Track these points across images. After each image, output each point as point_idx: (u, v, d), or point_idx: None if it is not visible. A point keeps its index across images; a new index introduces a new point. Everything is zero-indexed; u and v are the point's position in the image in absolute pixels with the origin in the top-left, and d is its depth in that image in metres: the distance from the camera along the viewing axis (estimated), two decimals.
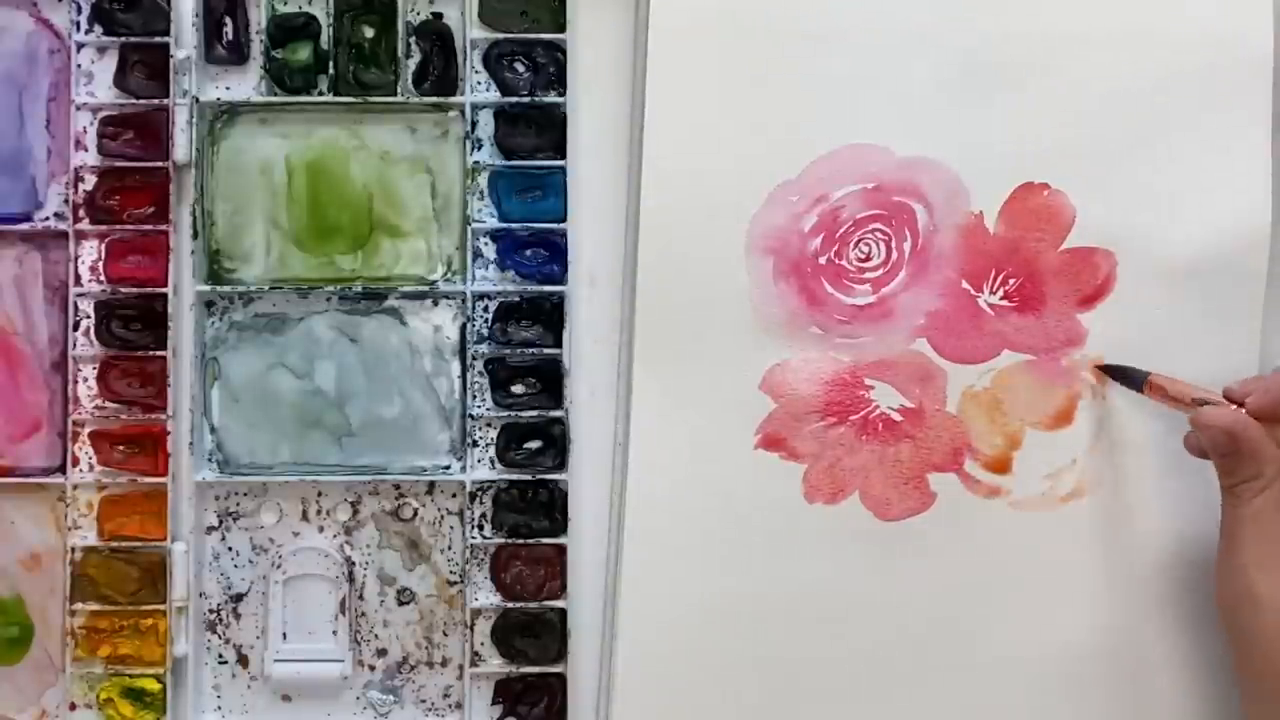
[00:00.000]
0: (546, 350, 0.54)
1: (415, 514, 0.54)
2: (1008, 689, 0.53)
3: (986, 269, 0.53)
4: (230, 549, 0.54)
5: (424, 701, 0.54)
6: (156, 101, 0.53)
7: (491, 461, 0.54)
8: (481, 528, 0.54)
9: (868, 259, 0.53)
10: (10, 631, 0.54)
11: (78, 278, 0.53)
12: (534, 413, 0.54)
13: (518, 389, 0.54)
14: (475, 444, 0.54)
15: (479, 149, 0.54)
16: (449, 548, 0.54)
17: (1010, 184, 0.53)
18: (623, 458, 0.53)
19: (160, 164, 0.53)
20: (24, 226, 0.54)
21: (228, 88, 0.54)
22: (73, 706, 0.53)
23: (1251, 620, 0.48)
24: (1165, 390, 0.51)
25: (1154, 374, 0.51)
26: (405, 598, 0.54)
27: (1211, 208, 0.53)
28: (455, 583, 0.54)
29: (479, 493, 0.54)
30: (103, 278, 0.53)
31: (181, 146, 0.53)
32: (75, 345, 0.53)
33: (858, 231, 0.53)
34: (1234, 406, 0.49)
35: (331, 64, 0.54)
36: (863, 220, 0.53)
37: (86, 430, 0.53)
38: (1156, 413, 0.52)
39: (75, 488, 0.53)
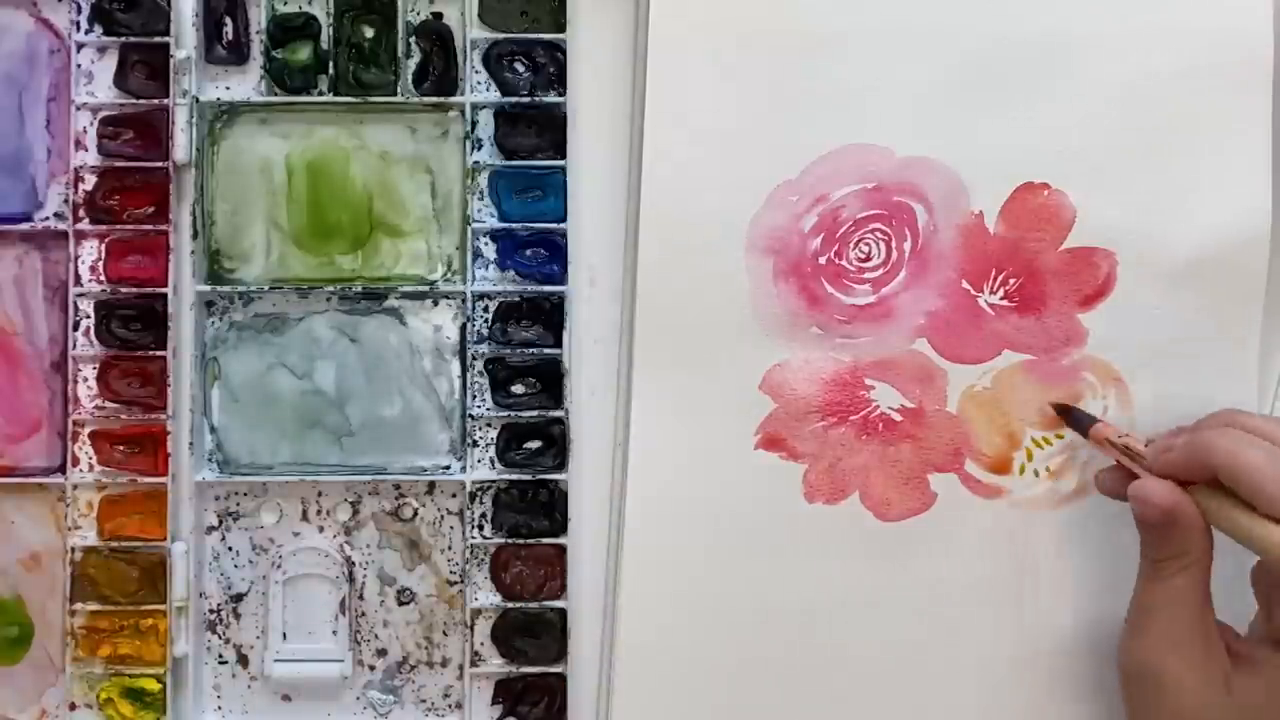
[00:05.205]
0: (546, 350, 0.54)
1: (415, 514, 0.54)
2: (1008, 689, 0.53)
3: (986, 269, 0.53)
4: (230, 549, 0.54)
5: (424, 701, 0.54)
6: (156, 101, 0.53)
7: (491, 461, 0.54)
8: (481, 528, 0.54)
9: (868, 259, 0.53)
10: (10, 631, 0.54)
11: (78, 278, 0.53)
12: (534, 413, 0.54)
13: (518, 389, 0.54)
14: (475, 444, 0.54)
15: (479, 149, 0.54)
16: (449, 548, 0.54)
17: (1010, 184, 0.53)
18: (623, 458, 0.53)
19: (160, 164, 0.53)
20: (24, 226, 0.54)
21: (228, 88, 0.54)
22: (73, 706, 0.53)
23: (1155, 699, 0.47)
24: (1110, 442, 0.50)
25: (1101, 421, 0.51)
26: (405, 598, 0.54)
27: (1211, 208, 0.53)
28: (455, 583, 0.54)
29: (479, 493, 0.54)
30: (103, 278, 0.53)
31: (181, 146, 0.53)
32: (75, 345, 0.53)
33: (858, 231, 0.53)
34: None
35: (331, 64, 0.54)
36: (863, 220, 0.53)
37: (86, 430, 0.53)
38: (1155, 414, 0.52)
39: (75, 488, 0.53)
